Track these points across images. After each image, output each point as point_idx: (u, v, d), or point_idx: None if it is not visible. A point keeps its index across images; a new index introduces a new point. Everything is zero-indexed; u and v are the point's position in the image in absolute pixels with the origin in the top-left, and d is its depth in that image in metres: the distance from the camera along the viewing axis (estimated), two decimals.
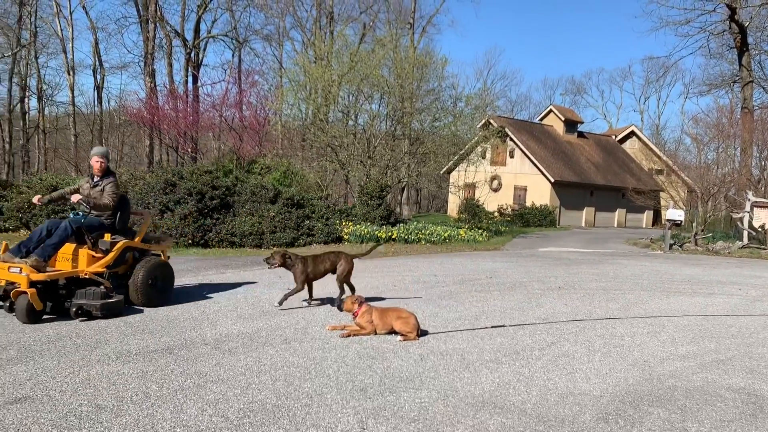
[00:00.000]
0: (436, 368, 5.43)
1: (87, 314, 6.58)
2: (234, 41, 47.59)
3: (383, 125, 26.01)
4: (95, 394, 4.40)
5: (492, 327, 7.19)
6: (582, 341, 6.71)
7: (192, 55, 42.52)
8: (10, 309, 6.53)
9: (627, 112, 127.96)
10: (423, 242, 19.39)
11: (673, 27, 57.16)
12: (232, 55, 53.15)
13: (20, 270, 6.36)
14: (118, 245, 7.21)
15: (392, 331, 6.41)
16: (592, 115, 70.17)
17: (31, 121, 43.87)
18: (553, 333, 7.07)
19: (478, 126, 32.20)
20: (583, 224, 39.64)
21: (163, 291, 7.63)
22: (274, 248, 6.71)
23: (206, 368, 5.13)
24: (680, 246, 22.28)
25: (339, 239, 18.29)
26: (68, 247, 6.97)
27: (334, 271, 8.26)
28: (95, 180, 7.56)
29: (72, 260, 6.93)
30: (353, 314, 6.54)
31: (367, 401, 4.49)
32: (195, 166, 20.97)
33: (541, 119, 44.97)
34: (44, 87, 44.08)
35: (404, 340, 6.27)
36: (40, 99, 43.06)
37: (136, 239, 7.63)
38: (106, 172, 7.61)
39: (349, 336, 6.34)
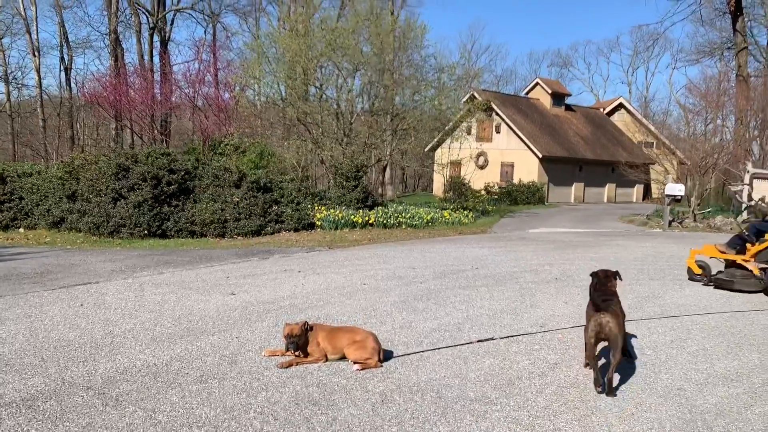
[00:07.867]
0: (401, 417, 3.93)
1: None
2: (207, 16, 45.38)
3: (360, 100, 24.27)
4: None
5: (478, 341, 5.70)
6: None
7: (158, 30, 40.35)
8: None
9: (614, 85, 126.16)
10: (404, 226, 17.85)
11: None
12: (204, 32, 50.81)
13: None
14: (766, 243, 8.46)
15: (345, 357, 4.90)
16: (578, 88, 68.76)
17: None
18: (555, 347, 5.59)
19: (463, 101, 30.49)
20: (572, 200, 38.27)
21: None
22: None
23: None
24: (680, 222, 20.92)
25: (311, 226, 16.69)
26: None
27: None
28: None
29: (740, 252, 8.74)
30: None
31: None
32: (152, 148, 19.20)
33: (528, 93, 43.21)
34: (9, 70, 41.68)
35: (362, 369, 4.75)
36: (7, 82, 40.73)
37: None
38: None
39: (290, 366, 4.81)
